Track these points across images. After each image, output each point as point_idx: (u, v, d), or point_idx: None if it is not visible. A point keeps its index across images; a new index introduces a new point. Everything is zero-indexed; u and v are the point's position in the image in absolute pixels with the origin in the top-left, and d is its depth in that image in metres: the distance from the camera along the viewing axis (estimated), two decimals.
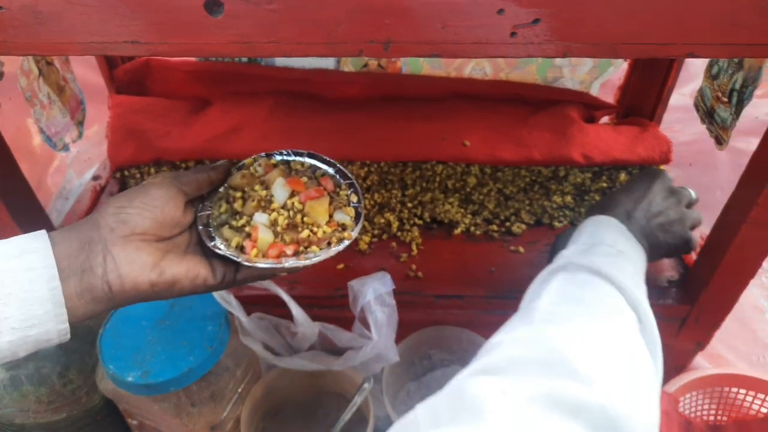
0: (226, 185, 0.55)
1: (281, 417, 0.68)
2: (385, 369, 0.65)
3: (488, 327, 0.69)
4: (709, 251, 0.64)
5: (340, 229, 0.53)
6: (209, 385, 0.57)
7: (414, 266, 0.74)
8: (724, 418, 0.75)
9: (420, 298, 0.69)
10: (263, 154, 0.59)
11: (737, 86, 0.63)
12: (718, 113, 0.67)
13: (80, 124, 0.75)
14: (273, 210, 0.53)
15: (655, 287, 0.69)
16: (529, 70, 0.84)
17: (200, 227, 0.50)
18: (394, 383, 0.68)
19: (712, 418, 0.75)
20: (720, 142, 0.67)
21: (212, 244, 0.49)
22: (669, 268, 0.74)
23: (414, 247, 0.76)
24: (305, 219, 0.53)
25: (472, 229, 0.78)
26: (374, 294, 0.56)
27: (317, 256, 0.50)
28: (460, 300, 0.68)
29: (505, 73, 0.85)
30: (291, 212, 0.53)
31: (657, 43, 0.42)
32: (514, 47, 0.43)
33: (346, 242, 0.52)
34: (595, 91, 0.87)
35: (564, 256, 0.52)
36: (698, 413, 0.74)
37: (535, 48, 0.43)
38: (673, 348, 0.72)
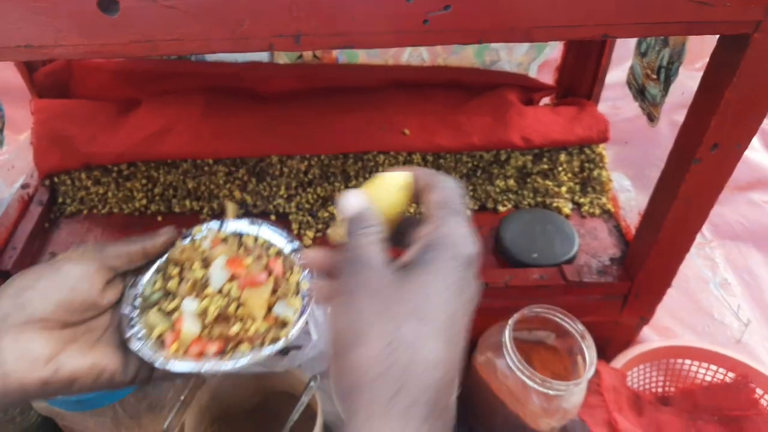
0: (166, 257, 0.50)
1: (231, 421, 0.67)
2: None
3: None
4: (644, 229, 0.65)
5: (278, 325, 0.48)
6: (146, 395, 0.55)
7: None
8: (672, 389, 0.76)
9: None
10: (214, 221, 0.55)
11: (664, 63, 0.63)
12: (648, 90, 0.67)
13: (0, 131, 0.71)
14: (206, 296, 0.48)
15: (598, 265, 0.70)
16: (466, 55, 0.84)
17: (124, 311, 0.46)
18: None
19: (660, 389, 0.77)
20: (651, 118, 0.68)
21: (128, 335, 0.45)
22: (611, 246, 0.75)
23: None
24: (239, 310, 0.47)
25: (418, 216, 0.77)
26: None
27: (243, 358, 0.45)
28: None
29: (443, 58, 0.84)
30: (226, 300, 0.48)
31: (570, 25, 0.42)
32: (428, 35, 0.42)
33: (280, 343, 0.47)
34: (533, 73, 0.87)
35: None
36: (647, 386, 0.76)
37: (450, 35, 0.42)
38: (619, 324, 0.73)
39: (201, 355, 0.46)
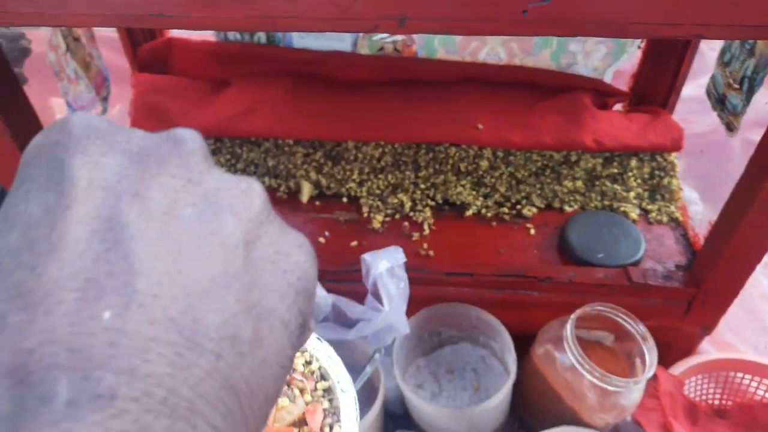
0: None
1: None
2: (396, 342, 0.67)
3: (496, 305, 0.71)
4: (715, 236, 0.65)
5: None
6: None
7: (425, 245, 0.75)
8: (729, 403, 0.75)
9: (430, 276, 0.70)
10: None
11: (748, 73, 0.63)
12: (729, 100, 0.67)
13: (105, 100, 0.77)
14: None
15: (663, 270, 0.70)
16: (543, 56, 0.85)
17: None
18: (405, 358, 0.70)
19: (717, 402, 0.76)
20: (731, 128, 0.68)
21: None
22: (677, 253, 0.75)
23: (426, 227, 0.77)
24: None
25: (483, 211, 0.79)
26: (387, 267, 0.57)
27: None
28: (470, 278, 0.70)
29: (520, 58, 0.86)
30: None
31: (665, 23, 0.43)
32: (525, 25, 0.44)
33: None
34: (608, 79, 0.88)
35: None
36: (703, 397, 0.76)
37: (546, 27, 0.45)
38: (680, 332, 0.73)
39: None
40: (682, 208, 0.80)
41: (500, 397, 0.62)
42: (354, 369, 0.71)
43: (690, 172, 0.93)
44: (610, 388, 0.61)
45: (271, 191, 0.83)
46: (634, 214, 0.79)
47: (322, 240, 0.76)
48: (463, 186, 0.81)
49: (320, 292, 0.63)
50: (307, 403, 0.45)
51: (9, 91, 0.56)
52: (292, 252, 0.20)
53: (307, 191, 0.82)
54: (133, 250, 0.16)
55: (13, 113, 0.56)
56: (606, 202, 0.80)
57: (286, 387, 0.44)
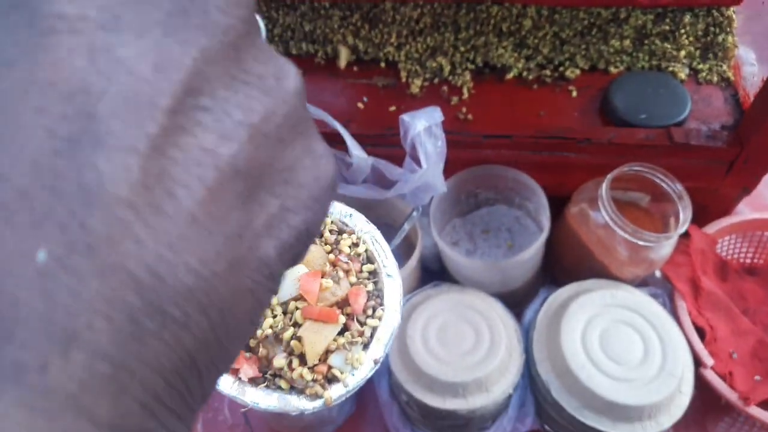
0: None
1: None
2: (433, 202, 0.70)
3: (533, 167, 0.73)
4: (765, 94, 0.63)
5: (326, 378, 0.41)
6: None
7: (464, 109, 0.75)
8: (760, 261, 0.77)
9: (468, 138, 0.71)
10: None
11: None
12: None
13: None
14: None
15: (708, 131, 0.69)
16: None
17: None
18: (441, 217, 0.74)
19: (748, 260, 0.78)
20: None
21: None
22: (725, 114, 0.73)
23: (465, 90, 0.77)
24: (293, 341, 0.40)
25: (525, 73, 0.78)
26: (425, 126, 0.59)
27: (268, 399, 0.40)
28: (508, 140, 0.71)
29: None
30: (284, 320, 0.41)
31: None
32: None
33: (317, 405, 0.40)
34: None
35: None
36: (735, 255, 0.77)
37: None
38: (718, 193, 0.73)
39: (236, 372, 0.41)
40: (735, 67, 0.76)
41: (532, 252, 0.65)
42: (392, 228, 0.75)
43: (748, 29, 0.88)
44: (641, 243, 0.63)
45: (308, 57, 0.83)
46: (683, 74, 0.76)
47: (360, 105, 0.77)
48: (504, 48, 0.79)
49: (360, 153, 0.65)
50: (351, 285, 0.44)
51: None
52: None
53: (344, 56, 0.81)
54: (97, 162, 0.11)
55: None
56: (654, 62, 0.77)
57: (331, 268, 0.44)
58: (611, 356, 0.61)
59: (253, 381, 0.42)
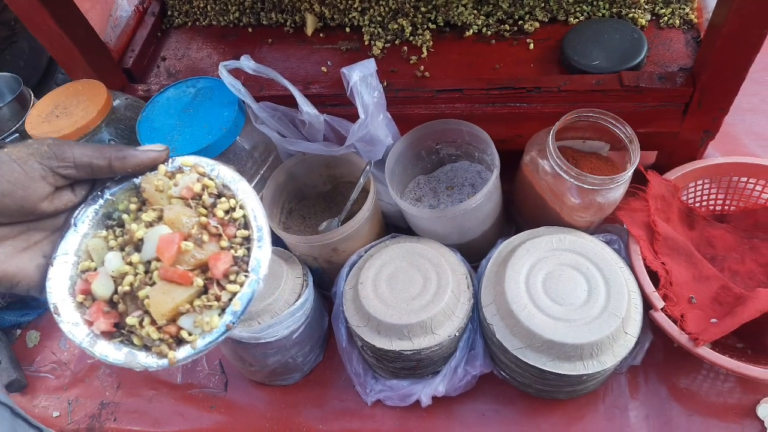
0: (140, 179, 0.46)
1: (306, 201, 0.78)
2: (389, 158, 0.72)
3: (488, 120, 0.73)
4: (712, 28, 0.62)
5: (171, 340, 0.41)
6: (229, 162, 0.67)
7: (422, 67, 0.77)
8: (732, 208, 0.75)
9: (422, 94, 0.73)
10: (212, 162, 0.48)
11: None
12: None
13: None
14: (131, 262, 0.43)
15: (662, 73, 0.68)
16: None
17: (66, 228, 0.44)
18: (403, 173, 0.75)
19: (718, 208, 0.76)
20: None
21: (55, 255, 0.43)
22: (685, 56, 0.72)
23: (425, 50, 0.78)
24: (146, 301, 0.41)
25: (484, 30, 0.79)
26: (360, 76, 0.61)
27: (116, 354, 0.42)
28: (460, 93, 0.72)
29: None
30: (144, 277, 0.42)
31: None
32: None
33: (162, 363, 0.41)
34: None
35: None
36: (704, 203, 0.76)
37: None
38: (680, 137, 0.72)
39: (91, 324, 0.43)
40: (699, 9, 0.75)
41: (480, 198, 0.66)
42: (353, 185, 0.77)
43: None
44: (586, 186, 0.63)
45: (278, 26, 0.86)
46: (644, 20, 0.75)
47: (324, 69, 0.80)
48: (464, 6, 0.80)
49: (311, 110, 0.67)
50: (221, 249, 0.44)
51: None
52: None
53: (311, 24, 0.84)
54: None
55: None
56: (615, 10, 0.76)
57: (199, 230, 0.43)
58: (554, 298, 0.61)
59: (109, 335, 0.43)
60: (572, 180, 0.63)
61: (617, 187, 0.65)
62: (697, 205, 0.75)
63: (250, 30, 0.86)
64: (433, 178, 0.80)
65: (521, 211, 0.76)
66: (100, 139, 0.68)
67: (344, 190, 0.79)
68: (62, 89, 0.68)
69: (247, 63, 0.62)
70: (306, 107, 0.67)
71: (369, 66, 0.61)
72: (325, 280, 0.76)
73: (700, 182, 0.74)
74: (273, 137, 0.68)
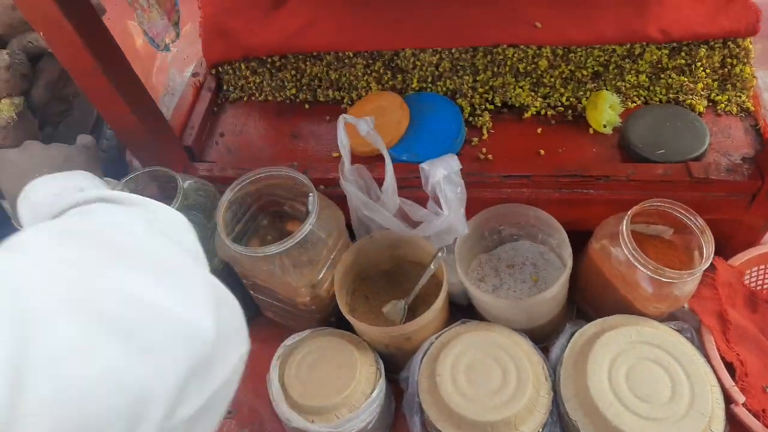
0: None
1: (369, 281, 0.78)
2: (457, 242, 0.72)
3: (553, 203, 0.74)
4: None
5: None
6: (306, 251, 0.67)
7: (484, 149, 0.78)
8: None
9: (489, 179, 0.74)
10: None
11: None
12: None
13: (176, 24, 0.82)
14: None
15: (728, 163, 0.70)
16: None
17: None
18: (467, 254, 0.76)
19: None
20: None
21: None
22: (745, 145, 0.73)
23: (485, 131, 0.80)
24: None
25: (543, 111, 0.80)
26: (444, 174, 0.61)
27: None
28: (527, 179, 0.73)
29: None
30: None
31: None
32: None
33: None
34: None
35: None
36: (765, 286, 0.77)
37: None
38: (743, 224, 0.73)
39: None
40: (755, 96, 0.77)
41: (555, 290, 0.66)
42: (418, 266, 0.77)
43: (766, 57, 0.88)
44: (663, 280, 0.64)
45: (334, 103, 0.87)
46: (701, 106, 0.77)
47: None
48: (521, 87, 0.81)
49: (394, 189, 0.67)
50: None
51: (94, 27, 0.61)
52: None
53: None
54: None
55: (100, 49, 0.61)
56: (672, 95, 0.78)
57: None
58: (638, 394, 0.61)
59: None
60: (650, 273, 0.64)
61: (693, 279, 0.66)
62: (758, 288, 0.76)
63: (306, 106, 0.87)
64: (494, 256, 0.80)
65: (585, 295, 0.77)
66: None
67: (407, 269, 0.78)
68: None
69: (365, 125, 0.63)
70: (392, 189, 0.67)
71: (453, 164, 0.62)
72: (392, 363, 0.75)
73: (762, 266, 0.75)
74: (357, 196, 0.69)
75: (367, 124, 0.65)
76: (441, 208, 0.66)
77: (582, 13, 0.77)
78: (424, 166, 0.63)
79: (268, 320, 0.84)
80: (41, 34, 0.59)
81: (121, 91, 0.66)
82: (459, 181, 0.63)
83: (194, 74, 0.91)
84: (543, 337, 0.74)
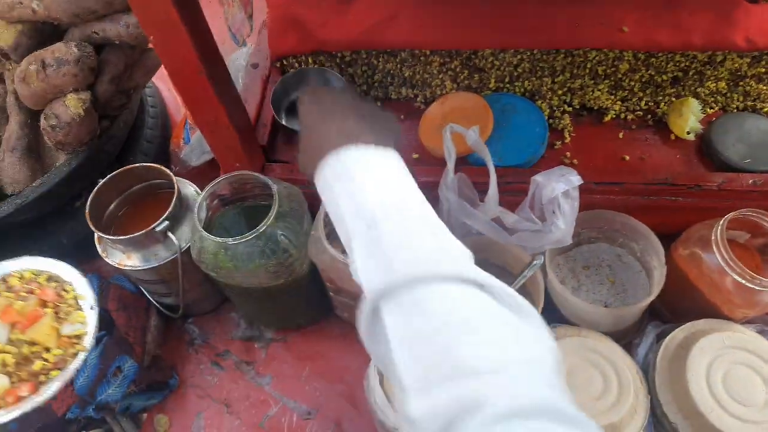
0: None
1: None
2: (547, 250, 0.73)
3: (639, 209, 0.75)
4: None
5: (75, 340, 0.58)
6: None
7: (568, 153, 0.78)
8: None
9: (580, 185, 0.74)
10: None
11: None
12: None
13: (250, 17, 0.78)
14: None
15: None
16: None
17: None
18: (548, 257, 0.76)
19: None
20: None
21: None
22: None
23: (567, 134, 0.80)
24: (34, 348, 0.56)
25: (623, 115, 0.80)
26: (563, 190, 0.61)
27: (55, 382, 0.55)
28: (619, 187, 0.73)
29: None
30: (17, 347, 0.56)
31: None
32: None
33: (82, 355, 0.56)
34: None
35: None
36: None
37: None
38: None
39: (18, 399, 0.55)
40: None
41: (649, 301, 0.68)
42: (504, 272, 0.78)
43: None
44: (758, 288, 0.66)
45: (407, 101, 0.85)
46: None
47: None
48: (600, 90, 0.81)
49: (496, 196, 0.67)
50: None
51: (203, 30, 0.58)
52: None
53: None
54: None
55: (206, 53, 0.58)
56: (749, 103, 0.79)
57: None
58: (736, 398, 0.64)
59: (37, 389, 0.56)
60: (745, 281, 0.66)
61: None
62: None
63: (378, 104, 0.85)
64: (570, 258, 0.81)
65: (665, 297, 0.79)
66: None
67: (493, 274, 0.79)
68: None
69: (473, 134, 0.62)
70: (494, 197, 0.66)
71: (573, 180, 0.62)
72: None
73: None
74: (457, 202, 0.68)
75: (475, 133, 0.64)
76: (542, 219, 0.67)
77: (672, 19, 0.77)
78: (538, 178, 0.63)
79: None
80: (151, 37, 0.55)
81: (218, 93, 0.63)
82: (576, 195, 0.63)
83: (253, 65, 0.87)
84: (623, 337, 0.76)
